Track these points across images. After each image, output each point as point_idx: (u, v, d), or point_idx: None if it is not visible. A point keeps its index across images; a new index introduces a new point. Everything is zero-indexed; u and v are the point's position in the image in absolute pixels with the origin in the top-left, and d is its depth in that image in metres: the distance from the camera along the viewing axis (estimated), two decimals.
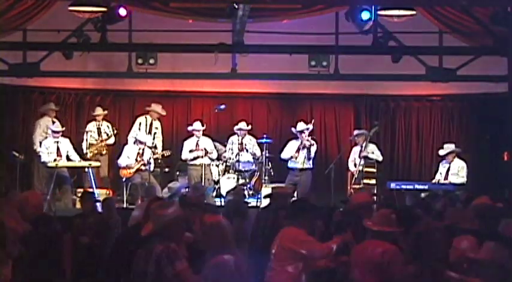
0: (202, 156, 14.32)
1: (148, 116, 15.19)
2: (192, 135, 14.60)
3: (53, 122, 14.47)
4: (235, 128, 14.87)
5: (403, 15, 12.04)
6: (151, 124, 15.15)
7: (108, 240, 8.81)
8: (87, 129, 14.88)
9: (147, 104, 15.26)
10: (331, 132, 16.37)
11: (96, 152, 14.74)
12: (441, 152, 14.22)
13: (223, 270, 5.29)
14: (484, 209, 7.33)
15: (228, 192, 13.25)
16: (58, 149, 14.05)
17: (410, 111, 16.26)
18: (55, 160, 13.83)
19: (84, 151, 14.59)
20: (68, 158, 14.14)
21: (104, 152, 14.92)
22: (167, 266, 5.38)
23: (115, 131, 14.97)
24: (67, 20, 12.81)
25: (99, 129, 14.96)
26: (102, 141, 14.85)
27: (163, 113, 15.30)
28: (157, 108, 15.19)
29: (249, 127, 14.92)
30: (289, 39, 14.01)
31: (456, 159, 14.06)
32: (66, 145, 14.19)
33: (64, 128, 14.30)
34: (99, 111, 15.06)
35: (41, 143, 14.31)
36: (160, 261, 5.40)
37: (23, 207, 7.11)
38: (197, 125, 14.57)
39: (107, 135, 14.92)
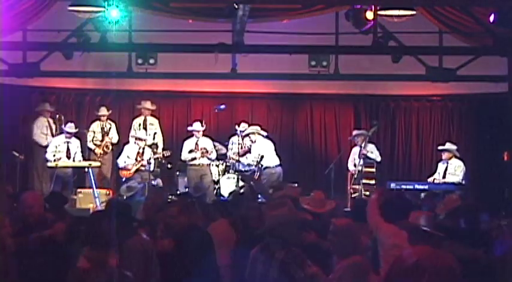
0: (199, 157, 14.31)
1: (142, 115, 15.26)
2: (192, 135, 14.59)
3: (49, 123, 14.55)
4: (237, 128, 14.88)
5: (403, 15, 12.02)
6: (145, 120, 15.18)
7: None
8: (91, 129, 14.91)
9: (139, 103, 15.32)
10: (331, 132, 16.36)
11: (102, 152, 14.78)
12: (440, 147, 14.28)
13: (358, 272, 5.21)
14: (456, 207, 7.28)
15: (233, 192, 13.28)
16: (68, 149, 14.09)
17: (410, 111, 16.25)
18: (57, 160, 13.84)
19: (93, 148, 14.69)
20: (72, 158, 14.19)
21: (109, 151, 14.97)
22: (297, 270, 5.23)
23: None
24: (67, 20, 12.79)
25: (103, 129, 14.99)
26: (107, 140, 14.90)
27: (153, 108, 15.34)
28: (146, 104, 15.25)
29: None
30: (289, 39, 13.98)
31: (454, 159, 14.08)
32: (75, 146, 14.22)
33: (78, 129, 14.35)
34: (104, 111, 15.08)
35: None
36: (289, 267, 5.24)
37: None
38: (197, 126, 14.56)
39: (112, 134, 14.98)
